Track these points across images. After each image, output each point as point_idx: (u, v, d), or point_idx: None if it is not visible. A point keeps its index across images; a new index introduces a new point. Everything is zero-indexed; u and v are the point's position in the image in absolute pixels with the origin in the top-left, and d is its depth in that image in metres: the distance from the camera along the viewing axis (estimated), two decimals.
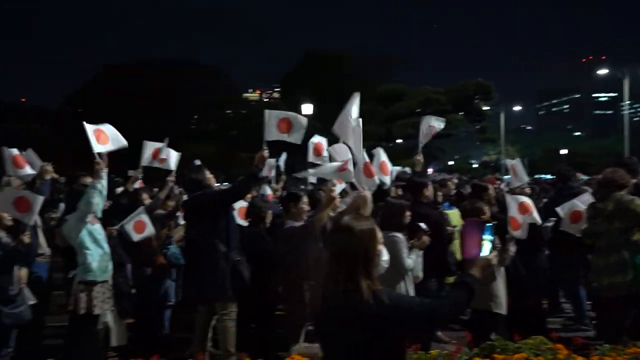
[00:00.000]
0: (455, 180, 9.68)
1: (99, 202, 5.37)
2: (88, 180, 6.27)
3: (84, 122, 5.47)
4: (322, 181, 7.38)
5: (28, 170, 6.38)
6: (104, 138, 5.56)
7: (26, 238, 5.26)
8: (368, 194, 4.48)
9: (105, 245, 5.57)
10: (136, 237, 6.09)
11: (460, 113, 36.66)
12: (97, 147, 5.42)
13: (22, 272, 5.57)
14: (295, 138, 5.63)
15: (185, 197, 6.33)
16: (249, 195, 6.45)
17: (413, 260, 5.40)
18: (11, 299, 5.30)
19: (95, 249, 5.42)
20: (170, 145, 7.20)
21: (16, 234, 5.37)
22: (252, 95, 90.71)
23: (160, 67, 42.38)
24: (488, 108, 42.31)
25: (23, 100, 57.46)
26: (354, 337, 2.36)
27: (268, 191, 7.81)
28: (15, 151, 6.59)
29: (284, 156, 9.82)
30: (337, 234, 2.49)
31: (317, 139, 7.17)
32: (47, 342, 6.35)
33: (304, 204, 5.64)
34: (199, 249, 5.52)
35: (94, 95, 40.69)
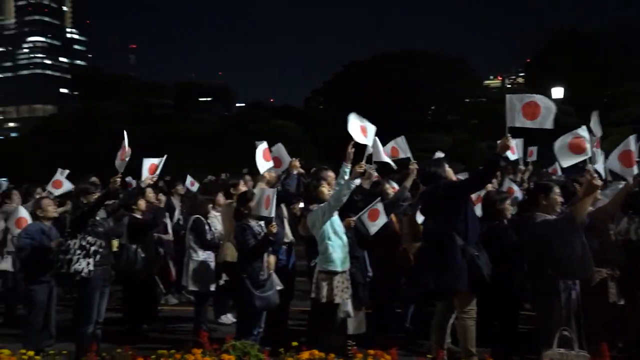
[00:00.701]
0: None
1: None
2: (329, 174, 6.45)
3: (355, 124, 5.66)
4: (574, 171, 6.60)
5: (271, 164, 6.73)
6: (366, 132, 5.74)
7: (274, 228, 5.58)
8: None
9: (344, 237, 5.67)
10: (371, 226, 6.08)
11: None
12: (362, 139, 5.58)
13: (270, 259, 5.96)
14: (544, 122, 5.05)
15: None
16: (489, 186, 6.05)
17: None
18: (262, 284, 5.69)
19: (336, 240, 5.56)
20: (408, 137, 7.12)
21: (266, 224, 5.76)
22: (494, 82, 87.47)
23: (399, 59, 42.89)
24: None
25: (272, 100, 63.65)
26: None
27: (513, 186, 7.20)
28: (265, 145, 6.96)
29: (535, 149, 9.10)
30: None
31: (570, 136, 6.34)
32: (290, 325, 6.71)
33: (557, 195, 5.03)
34: (435, 241, 5.31)
35: (334, 91, 43.07)
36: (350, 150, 5.62)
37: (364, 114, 5.91)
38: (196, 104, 47.18)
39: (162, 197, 8.66)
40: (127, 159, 6.06)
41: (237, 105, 59.08)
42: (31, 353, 4.24)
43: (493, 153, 5.21)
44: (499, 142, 5.11)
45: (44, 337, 6.14)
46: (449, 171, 5.68)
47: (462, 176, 7.74)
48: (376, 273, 6.42)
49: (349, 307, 5.79)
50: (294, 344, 4.44)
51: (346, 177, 5.57)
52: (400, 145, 7.24)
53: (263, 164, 6.52)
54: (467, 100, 42.60)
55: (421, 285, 5.69)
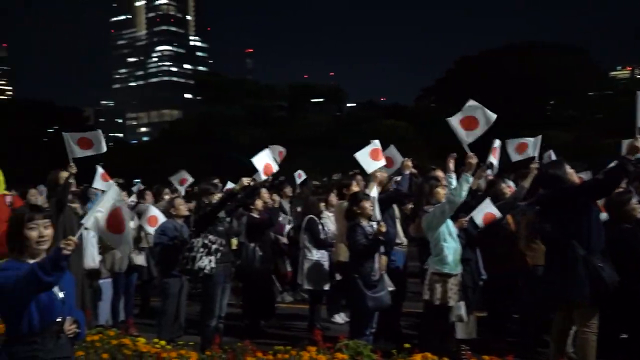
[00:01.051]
0: None
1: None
2: (438, 173, 6.38)
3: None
4: None
5: (381, 163, 6.74)
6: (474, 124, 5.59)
7: (383, 227, 5.61)
8: None
9: (457, 239, 5.59)
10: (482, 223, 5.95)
11: None
12: (468, 137, 5.46)
13: (382, 260, 5.99)
14: None
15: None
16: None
17: None
18: (374, 284, 5.72)
19: (451, 242, 5.49)
20: (525, 134, 6.86)
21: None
22: (621, 73, 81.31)
23: (515, 53, 41.01)
24: None
25: (383, 99, 63.39)
26: None
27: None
28: (375, 146, 6.96)
29: None
30: None
31: None
32: (402, 327, 6.71)
33: None
34: (554, 247, 5.05)
35: (446, 89, 42.05)
36: (452, 161, 5.49)
37: None
38: (309, 106, 48.11)
39: (277, 198, 8.98)
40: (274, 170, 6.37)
41: (349, 105, 59.58)
42: (163, 342, 4.60)
43: (620, 156, 4.82)
44: (626, 142, 4.75)
45: (175, 328, 6.61)
46: (570, 173, 5.36)
47: (585, 175, 7.32)
48: (491, 276, 6.26)
49: (462, 311, 5.69)
50: (406, 345, 4.46)
51: (452, 187, 5.45)
52: (533, 143, 6.96)
53: (371, 163, 6.54)
54: (590, 93, 39.86)
55: (541, 291, 5.47)
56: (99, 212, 3.23)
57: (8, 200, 6.43)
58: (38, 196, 8.70)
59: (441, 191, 5.76)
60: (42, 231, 3.08)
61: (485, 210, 5.96)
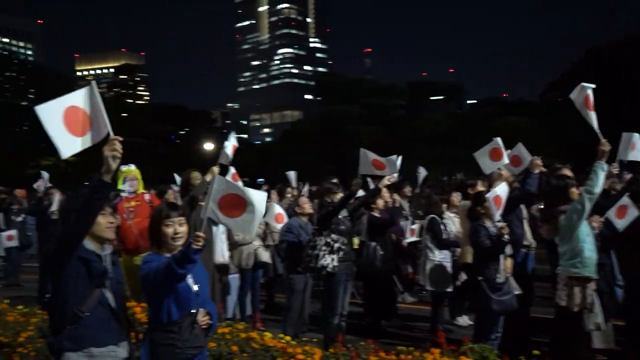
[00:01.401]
0: None
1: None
2: (566, 171, 6.01)
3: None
4: None
5: (505, 161, 6.43)
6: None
7: (505, 229, 5.37)
8: None
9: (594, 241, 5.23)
10: (619, 223, 5.51)
11: None
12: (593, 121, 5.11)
13: (507, 262, 5.74)
14: None
15: None
16: None
17: None
18: (499, 287, 5.50)
19: (590, 243, 5.13)
20: None
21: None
22: None
23: None
24: None
25: (505, 95, 60.55)
26: None
27: None
28: (496, 144, 6.64)
29: None
30: None
31: None
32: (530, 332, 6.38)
33: None
34: None
35: (574, 83, 39.26)
36: (606, 148, 5.06)
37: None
38: (428, 103, 47.37)
39: (397, 197, 8.90)
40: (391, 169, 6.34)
41: (469, 102, 57.89)
42: (288, 338, 4.73)
43: None
44: None
45: (299, 324, 6.77)
46: None
47: None
48: (631, 282, 5.79)
49: (600, 318, 5.30)
50: (536, 352, 4.24)
51: (601, 176, 5.05)
52: None
53: (490, 164, 6.28)
54: None
55: None
56: (211, 202, 3.38)
57: (147, 198, 6.92)
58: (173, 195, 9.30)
59: (575, 190, 5.41)
60: (177, 228, 3.30)
61: (620, 204, 5.50)
